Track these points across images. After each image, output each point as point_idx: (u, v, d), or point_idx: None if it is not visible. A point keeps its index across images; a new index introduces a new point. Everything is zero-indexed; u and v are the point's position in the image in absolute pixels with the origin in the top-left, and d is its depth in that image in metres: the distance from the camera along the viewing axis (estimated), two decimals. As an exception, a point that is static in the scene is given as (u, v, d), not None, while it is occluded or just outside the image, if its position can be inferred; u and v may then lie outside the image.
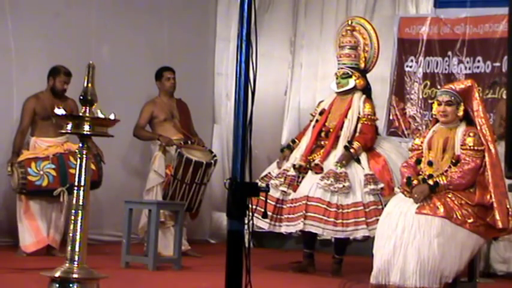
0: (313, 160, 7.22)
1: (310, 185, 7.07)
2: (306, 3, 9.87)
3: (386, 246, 5.56)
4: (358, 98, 7.41)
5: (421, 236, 5.47)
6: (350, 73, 7.44)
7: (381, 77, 9.13)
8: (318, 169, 7.13)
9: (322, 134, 7.39)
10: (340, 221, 6.92)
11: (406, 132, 8.92)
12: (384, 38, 9.04)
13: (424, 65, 8.95)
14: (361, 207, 6.94)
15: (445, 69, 8.81)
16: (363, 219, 6.91)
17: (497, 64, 8.32)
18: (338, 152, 7.21)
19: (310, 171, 7.18)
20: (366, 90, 7.50)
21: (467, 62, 8.68)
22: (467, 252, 5.54)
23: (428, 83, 8.89)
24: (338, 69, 7.52)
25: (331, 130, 7.36)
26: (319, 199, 6.98)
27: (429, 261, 5.43)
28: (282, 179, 7.22)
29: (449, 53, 8.79)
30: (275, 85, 9.96)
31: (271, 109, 9.91)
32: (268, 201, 6.90)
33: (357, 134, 7.31)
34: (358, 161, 7.17)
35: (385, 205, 6.70)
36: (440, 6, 8.98)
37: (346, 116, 7.35)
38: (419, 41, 8.97)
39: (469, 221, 5.55)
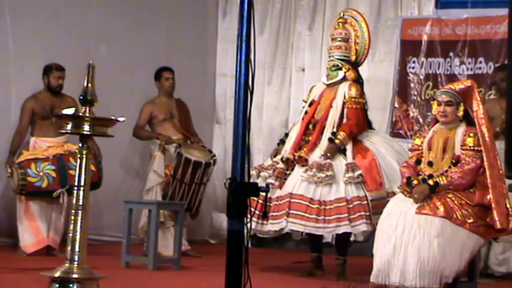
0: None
1: (295, 182, 6.93)
2: (308, 6, 9.83)
3: (386, 246, 5.56)
4: (343, 86, 7.25)
5: (421, 236, 5.47)
6: (340, 65, 7.29)
7: (384, 78, 9.12)
8: (303, 161, 6.98)
9: (310, 127, 7.23)
10: (322, 217, 6.76)
11: (409, 134, 8.89)
12: (387, 40, 9.07)
13: (426, 66, 8.92)
14: (344, 203, 6.78)
15: (447, 70, 8.79)
16: (346, 215, 6.74)
17: (499, 65, 8.30)
18: (323, 145, 7.06)
19: (297, 165, 7.04)
20: (358, 83, 7.34)
21: (469, 63, 8.65)
22: (467, 252, 5.55)
23: (431, 84, 8.86)
24: (328, 61, 7.40)
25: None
26: (301, 196, 6.83)
27: (429, 261, 5.44)
28: (271, 171, 7.11)
29: (451, 53, 8.76)
30: (282, 90, 9.93)
31: (280, 114, 9.88)
32: (257, 200, 6.51)
33: (344, 121, 7.14)
34: (344, 152, 7.03)
35: (371, 200, 6.76)
36: (442, 7, 8.95)
37: (331, 106, 7.20)
38: (421, 42, 8.96)
39: (469, 221, 5.55)
